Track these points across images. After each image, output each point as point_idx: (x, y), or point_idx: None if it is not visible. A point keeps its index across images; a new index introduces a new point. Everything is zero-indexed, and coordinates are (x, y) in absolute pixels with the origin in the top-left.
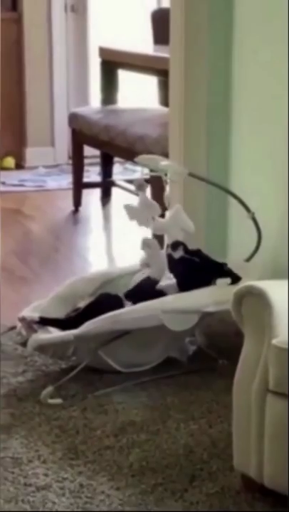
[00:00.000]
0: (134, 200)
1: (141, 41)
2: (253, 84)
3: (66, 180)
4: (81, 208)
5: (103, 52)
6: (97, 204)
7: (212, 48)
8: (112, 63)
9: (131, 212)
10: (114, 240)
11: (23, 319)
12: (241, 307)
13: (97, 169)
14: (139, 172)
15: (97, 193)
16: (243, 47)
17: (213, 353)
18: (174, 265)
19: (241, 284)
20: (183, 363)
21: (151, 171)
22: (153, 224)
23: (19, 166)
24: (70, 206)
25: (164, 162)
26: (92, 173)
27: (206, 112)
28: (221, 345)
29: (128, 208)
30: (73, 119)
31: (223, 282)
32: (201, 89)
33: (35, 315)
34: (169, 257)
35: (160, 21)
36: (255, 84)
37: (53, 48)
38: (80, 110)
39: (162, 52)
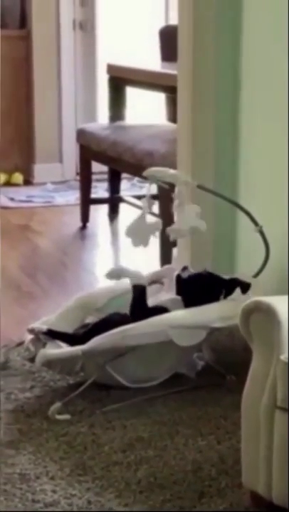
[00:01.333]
0: None
1: (148, 58)
2: (261, 101)
3: (74, 196)
4: (89, 224)
5: (111, 69)
6: (104, 220)
7: (220, 65)
8: (120, 80)
9: (130, 231)
10: (122, 256)
11: (31, 330)
12: (249, 323)
13: (105, 185)
14: (146, 188)
15: (104, 208)
16: (252, 63)
17: (220, 369)
18: (182, 285)
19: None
20: (191, 378)
21: (159, 184)
22: (168, 231)
23: (27, 182)
24: (77, 222)
25: (172, 171)
26: (100, 189)
27: (214, 128)
28: (228, 360)
29: (128, 228)
30: (81, 135)
31: (234, 297)
32: (209, 106)
33: (44, 327)
34: (178, 279)
35: (168, 38)
36: (264, 100)
37: (61, 65)
38: (88, 126)
39: (170, 69)
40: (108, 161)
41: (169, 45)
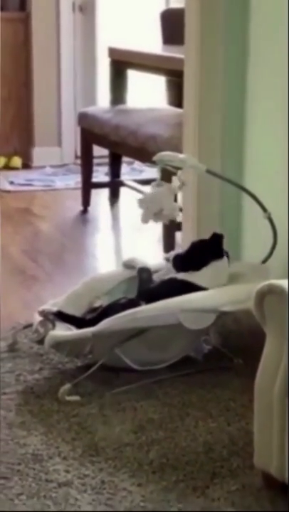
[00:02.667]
0: None
1: (149, 41)
2: (268, 84)
3: (73, 180)
4: (89, 208)
5: (113, 52)
6: (105, 204)
7: (227, 48)
8: (122, 63)
9: (142, 202)
10: (124, 240)
11: (42, 311)
12: (263, 306)
13: (105, 169)
14: (147, 172)
15: (104, 192)
16: (259, 46)
17: (228, 353)
18: (178, 261)
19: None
20: (198, 361)
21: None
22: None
23: (26, 165)
24: (78, 206)
25: (181, 156)
26: (100, 173)
27: (221, 113)
28: (234, 344)
29: (141, 199)
30: (83, 118)
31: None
32: (216, 90)
33: (54, 308)
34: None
35: (169, 21)
36: (271, 84)
37: (60, 48)
38: (90, 110)
39: (171, 52)
40: (110, 144)
41: (170, 28)
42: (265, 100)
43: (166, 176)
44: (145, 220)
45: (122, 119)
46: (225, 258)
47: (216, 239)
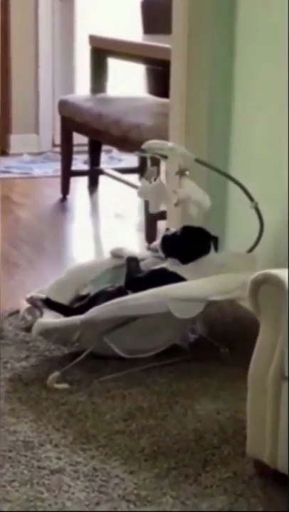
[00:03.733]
0: (122, 189)
1: (129, 30)
2: (256, 73)
3: (52, 168)
4: (69, 196)
5: (94, 40)
6: (84, 192)
7: (214, 37)
8: (103, 51)
9: (143, 192)
10: (104, 228)
11: (30, 298)
12: (258, 295)
13: (83, 157)
14: (126, 161)
15: (82, 180)
16: (247, 35)
17: (214, 342)
18: (166, 243)
19: (247, 275)
20: (184, 350)
21: (153, 157)
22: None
23: (3, 152)
24: (57, 194)
25: (170, 144)
26: (78, 161)
27: (207, 102)
28: (220, 333)
29: (141, 188)
30: (63, 106)
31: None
32: (202, 79)
33: (42, 295)
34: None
35: (149, 11)
36: (259, 73)
37: (39, 35)
38: (71, 97)
39: (152, 42)
40: (92, 133)
41: (151, 18)
42: (252, 90)
43: (153, 163)
44: (155, 208)
45: (104, 108)
46: (211, 253)
47: (204, 235)
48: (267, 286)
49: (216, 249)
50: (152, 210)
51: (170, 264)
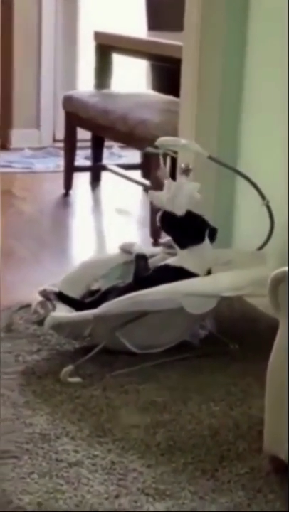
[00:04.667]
0: (124, 185)
1: (133, 27)
2: (266, 72)
3: (53, 163)
4: (71, 192)
5: (98, 36)
6: (86, 188)
7: (226, 35)
8: (107, 47)
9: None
10: (108, 223)
11: (43, 291)
12: (277, 292)
13: (84, 153)
14: (127, 157)
15: (84, 176)
16: (259, 33)
17: (224, 338)
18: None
19: (258, 272)
20: (195, 346)
21: (165, 153)
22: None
23: (4, 147)
24: (59, 189)
25: (184, 141)
26: (80, 157)
27: (218, 100)
28: (229, 330)
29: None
30: (68, 101)
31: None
32: (213, 77)
33: (55, 289)
34: (162, 216)
35: (154, 7)
36: (269, 71)
37: (42, 30)
38: (76, 93)
39: (158, 38)
40: (97, 128)
41: (155, 14)
42: (263, 88)
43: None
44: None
45: (110, 104)
46: (206, 241)
47: (202, 223)
48: (286, 284)
49: (212, 240)
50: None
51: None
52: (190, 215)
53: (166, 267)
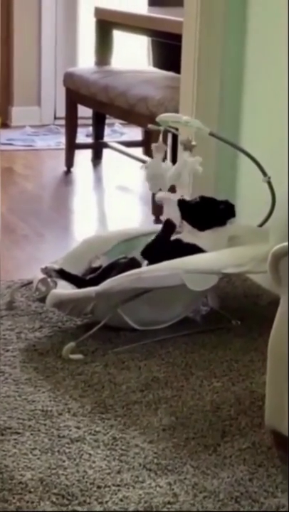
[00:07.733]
0: (125, 162)
1: (133, 2)
2: (267, 49)
3: (54, 141)
4: (72, 169)
5: (99, 12)
6: (88, 165)
7: (227, 11)
8: (108, 23)
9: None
10: (109, 201)
11: (44, 269)
12: (279, 267)
13: (85, 130)
14: (128, 134)
15: (85, 153)
16: (259, 11)
17: (226, 314)
18: (186, 209)
19: (260, 249)
20: (197, 322)
21: (165, 130)
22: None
23: (5, 125)
24: (61, 166)
25: (185, 117)
26: (81, 135)
27: (218, 77)
28: (231, 306)
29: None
30: (69, 78)
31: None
32: (214, 54)
33: (56, 266)
34: (180, 203)
35: None
36: (270, 49)
37: (42, 6)
38: (77, 70)
39: (158, 14)
40: (98, 105)
41: None
42: (264, 64)
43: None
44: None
45: (111, 80)
46: (228, 225)
47: (229, 207)
48: (287, 259)
49: (233, 216)
50: (151, 189)
51: (186, 232)
52: (206, 198)
53: (177, 242)
